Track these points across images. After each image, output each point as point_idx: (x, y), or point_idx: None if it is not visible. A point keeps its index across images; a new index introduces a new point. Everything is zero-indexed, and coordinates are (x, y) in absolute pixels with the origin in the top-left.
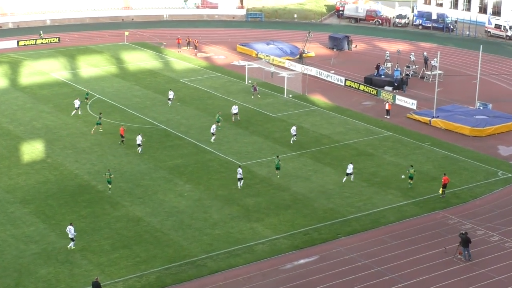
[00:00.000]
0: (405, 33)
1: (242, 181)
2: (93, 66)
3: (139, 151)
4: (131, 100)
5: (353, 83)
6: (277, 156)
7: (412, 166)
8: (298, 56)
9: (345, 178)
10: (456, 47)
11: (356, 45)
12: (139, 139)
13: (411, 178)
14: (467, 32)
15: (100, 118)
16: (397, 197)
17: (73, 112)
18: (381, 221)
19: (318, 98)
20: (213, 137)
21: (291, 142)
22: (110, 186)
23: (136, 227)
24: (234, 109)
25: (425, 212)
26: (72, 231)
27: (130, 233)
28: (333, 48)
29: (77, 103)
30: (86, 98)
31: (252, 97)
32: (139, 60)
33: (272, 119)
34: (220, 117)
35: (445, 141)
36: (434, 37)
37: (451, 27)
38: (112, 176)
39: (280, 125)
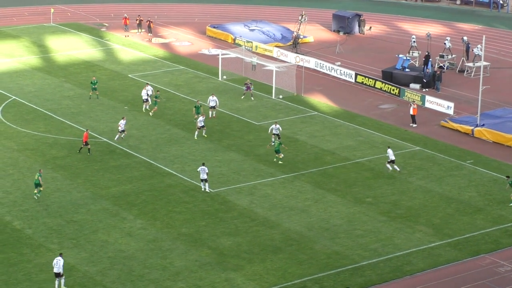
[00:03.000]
0: (438, 11)
1: (207, 184)
2: (7, 56)
3: (122, 137)
4: (60, 103)
5: (367, 79)
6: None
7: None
8: (291, 42)
9: (389, 168)
10: (508, 29)
11: (370, 27)
12: (122, 124)
13: None
14: None
15: (157, 95)
16: (428, 235)
17: None
18: (405, 269)
19: (319, 100)
20: (204, 131)
21: (276, 155)
22: (39, 189)
23: (67, 279)
24: (212, 102)
25: (466, 257)
26: (61, 264)
27: None
28: (339, 31)
29: None
30: None
31: (243, 97)
32: (71, 48)
33: (255, 129)
34: (200, 108)
35: (493, 159)
36: (477, 15)
37: (501, 2)
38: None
39: (266, 137)
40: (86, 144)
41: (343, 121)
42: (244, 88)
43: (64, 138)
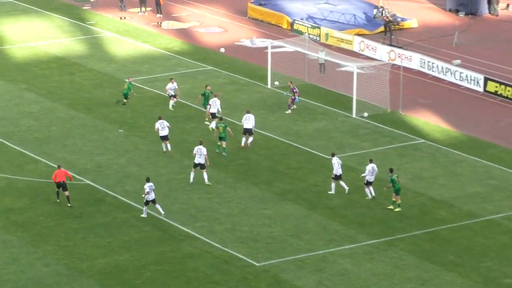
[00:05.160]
0: None
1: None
2: None
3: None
4: (18, 124)
5: (503, 87)
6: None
7: None
8: (382, 28)
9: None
10: None
11: (508, 5)
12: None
13: None
14: None
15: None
16: None
17: None
18: None
19: (427, 120)
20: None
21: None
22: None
23: None
24: (246, 122)
25: None
26: None
27: None
28: (458, 11)
29: None
30: None
31: (288, 111)
32: (35, 37)
33: (325, 166)
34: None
35: None
36: None
37: None
38: None
39: (344, 178)
40: (63, 186)
41: (465, 154)
42: (289, 95)
43: (23, 179)
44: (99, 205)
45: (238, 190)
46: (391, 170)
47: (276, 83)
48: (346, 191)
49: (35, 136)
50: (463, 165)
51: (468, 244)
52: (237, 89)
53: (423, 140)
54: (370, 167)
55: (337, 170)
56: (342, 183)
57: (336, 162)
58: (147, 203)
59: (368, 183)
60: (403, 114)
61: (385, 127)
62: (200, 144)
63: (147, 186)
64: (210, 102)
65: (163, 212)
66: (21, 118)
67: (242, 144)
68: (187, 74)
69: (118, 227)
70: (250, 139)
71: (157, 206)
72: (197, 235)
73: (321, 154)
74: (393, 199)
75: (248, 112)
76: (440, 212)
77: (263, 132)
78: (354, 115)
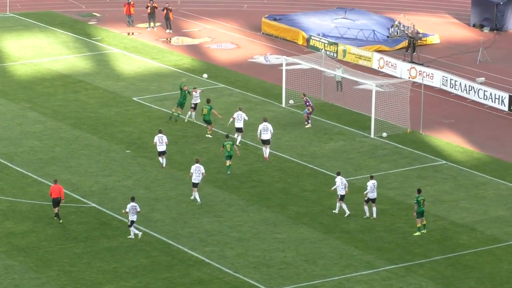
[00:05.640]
0: None
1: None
2: None
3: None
4: (20, 145)
5: None
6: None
7: None
8: (404, 43)
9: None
10: None
11: None
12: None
13: None
14: None
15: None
16: None
17: None
18: None
19: (448, 140)
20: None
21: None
22: None
23: None
24: (264, 133)
25: None
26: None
27: None
28: (482, 26)
29: None
30: None
31: (308, 125)
32: (39, 53)
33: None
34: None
35: None
36: None
37: None
38: None
39: (360, 201)
40: (58, 203)
41: (489, 177)
42: (304, 110)
43: (26, 201)
44: (104, 229)
45: (251, 213)
46: (418, 191)
47: (291, 101)
48: (342, 212)
49: (38, 157)
50: (486, 188)
51: (491, 270)
52: (250, 108)
53: (444, 162)
54: (371, 183)
55: (341, 190)
56: (343, 205)
57: (339, 182)
58: (131, 224)
59: (369, 200)
60: (423, 134)
61: (405, 147)
62: (197, 162)
63: (129, 206)
64: (235, 115)
65: (133, 236)
66: (23, 138)
67: (265, 155)
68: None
69: (124, 252)
70: (267, 150)
71: (132, 229)
72: (207, 260)
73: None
74: (418, 225)
75: (265, 120)
76: (462, 236)
77: (276, 153)
78: (372, 135)
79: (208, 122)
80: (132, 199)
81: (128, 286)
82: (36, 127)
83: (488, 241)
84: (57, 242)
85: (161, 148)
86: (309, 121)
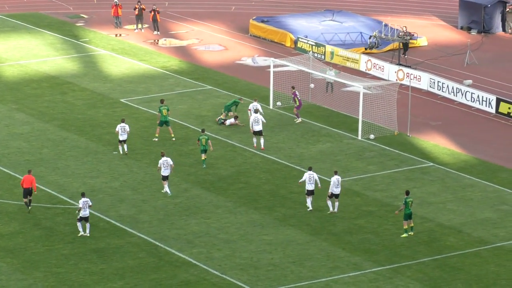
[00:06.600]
0: None
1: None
2: None
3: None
4: (7, 146)
5: None
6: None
7: None
8: (394, 45)
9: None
10: None
11: None
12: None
13: None
14: None
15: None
16: None
17: None
18: None
19: (436, 142)
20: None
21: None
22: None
23: None
24: (255, 124)
25: None
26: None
27: None
28: (469, 29)
29: None
30: None
31: (299, 120)
32: (26, 54)
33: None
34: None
35: None
36: None
37: None
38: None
39: (348, 203)
40: (30, 193)
41: (476, 179)
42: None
43: (13, 203)
44: (92, 230)
45: (238, 215)
46: (407, 193)
47: (279, 103)
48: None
49: (25, 158)
50: (473, 190)
51: (478, 272)
52: (238, 109)
53: (432, 164)
54: (335, 179)
55: (308, 185)
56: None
57: (306, 177)
58: (80, 219)
59: (333, 196)
60: (411, 136)
61: (392, 149)
62: (163, 155)
63: (82, 202)
64: (250, 106)
65: (87, 234)
66: (11, 139)
67: (255, 145)
68: (185, 94)
69: (111, 253)
70: (262, 141)
71: (88, 225)
72: (194, 261)
73: (325, 178)
74: (405, 227)
75: (256, 112)
76: (449, 238)
77: (264, 155)
78: (359, 137)
79: (167, 123)
80: (83, 195)
81: (115, 287)
82: (23, 129)
83: (475, 243)
84: (44, 243)
85: (123, 137)
86: (299, 115)
